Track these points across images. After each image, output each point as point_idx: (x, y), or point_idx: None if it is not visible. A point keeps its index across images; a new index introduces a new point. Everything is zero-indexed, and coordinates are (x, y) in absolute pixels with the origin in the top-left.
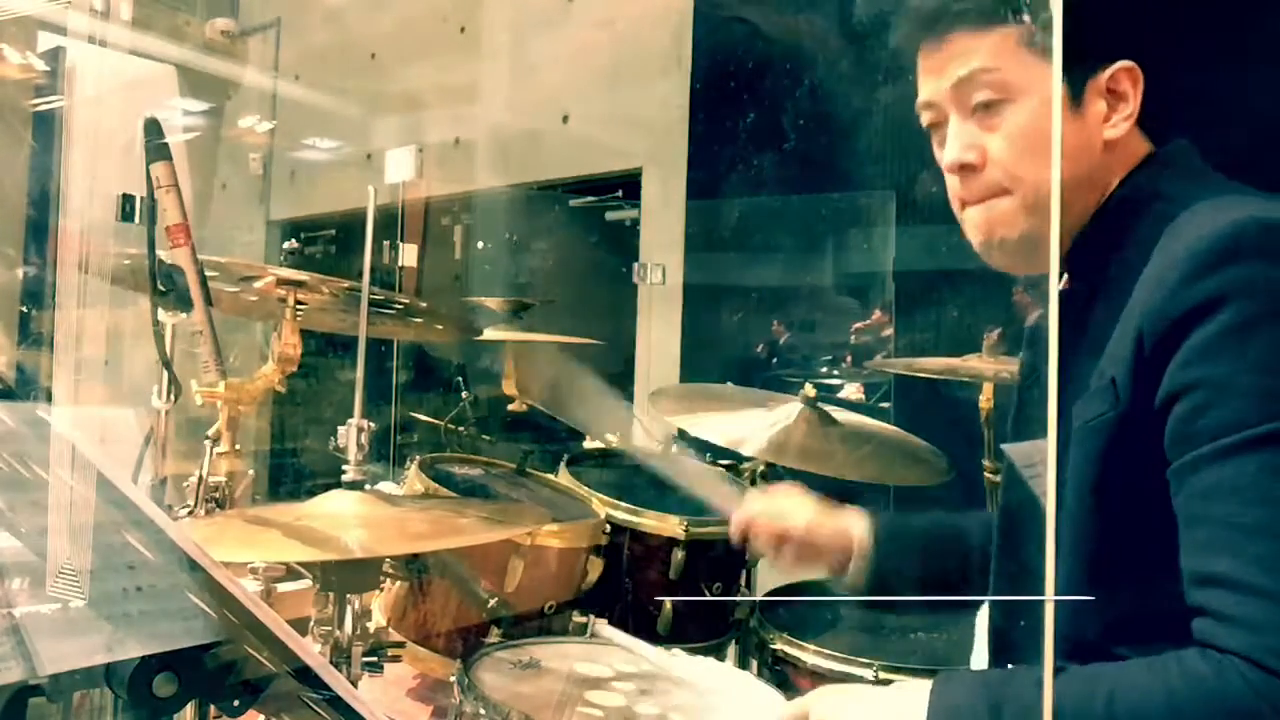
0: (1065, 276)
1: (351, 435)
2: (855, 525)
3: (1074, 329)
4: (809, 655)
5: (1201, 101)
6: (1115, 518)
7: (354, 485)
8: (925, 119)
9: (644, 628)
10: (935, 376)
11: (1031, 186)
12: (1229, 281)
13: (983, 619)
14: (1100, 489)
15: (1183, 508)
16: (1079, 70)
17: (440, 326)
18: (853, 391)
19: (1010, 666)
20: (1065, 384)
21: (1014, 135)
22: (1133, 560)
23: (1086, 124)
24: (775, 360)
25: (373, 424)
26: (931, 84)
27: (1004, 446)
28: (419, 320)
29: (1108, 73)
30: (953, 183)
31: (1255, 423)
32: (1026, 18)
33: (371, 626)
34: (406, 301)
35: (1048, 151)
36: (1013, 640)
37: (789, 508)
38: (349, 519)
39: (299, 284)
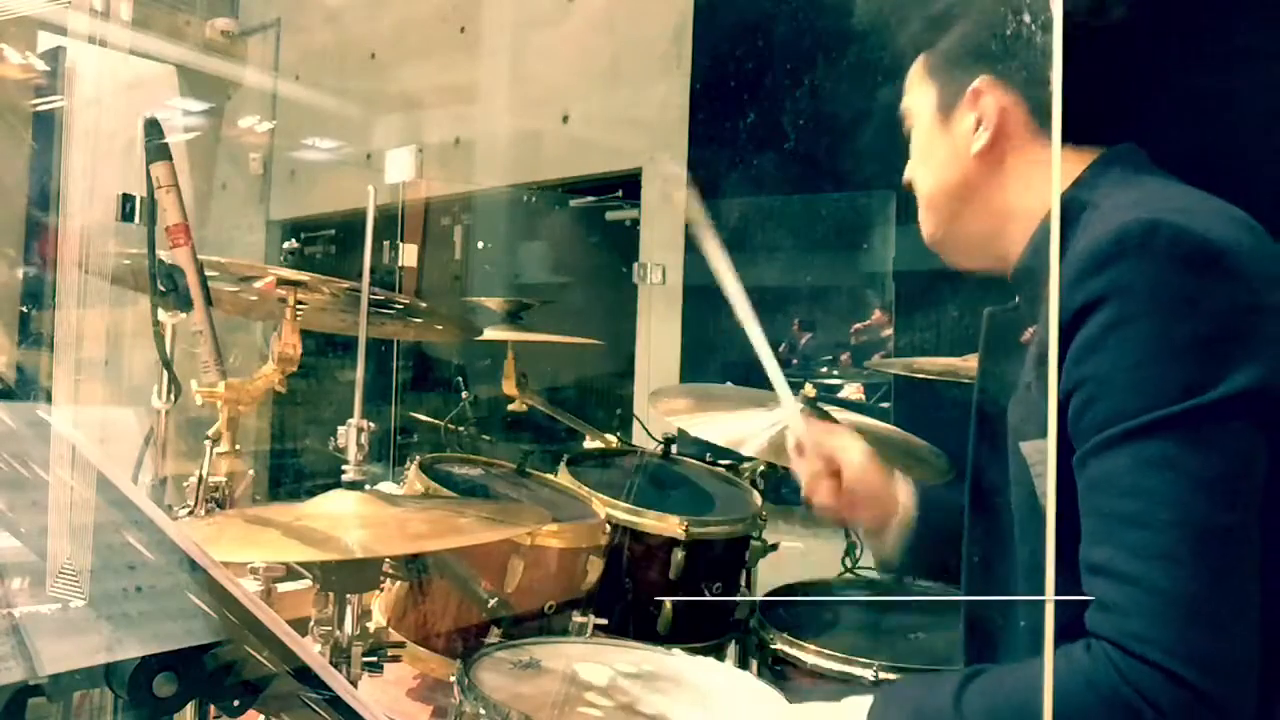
0: (1016, 297)
1: (351, 435)
2: (903, 490)
3: (1019, 342)
4: (809, 655)
5: (1158, 102)
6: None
7: (354, 485)
8: None
9: (644, 628)
10: (935, 377)
11: (923, 194)
12: (1110, 281)
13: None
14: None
15: (1079, 500)
16: (951, 86)
17: (440, 327)
18: (853, 391)
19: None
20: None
21: (913, 154)
22: (1071, 553)
23: (954, 136)
24: (791, 360)
25: (373, 424)
26: None
27: (1021, 444)
28: (419, 320)
29: (970, 89)
30: None
31: (1130, 416)
32: (935, 47)
33: (371, 626)
34: (406, 301)
35: (929, 163)
36: (988, 631)
37: (849, 445)
38: (349, 519)
39: (299, 284)
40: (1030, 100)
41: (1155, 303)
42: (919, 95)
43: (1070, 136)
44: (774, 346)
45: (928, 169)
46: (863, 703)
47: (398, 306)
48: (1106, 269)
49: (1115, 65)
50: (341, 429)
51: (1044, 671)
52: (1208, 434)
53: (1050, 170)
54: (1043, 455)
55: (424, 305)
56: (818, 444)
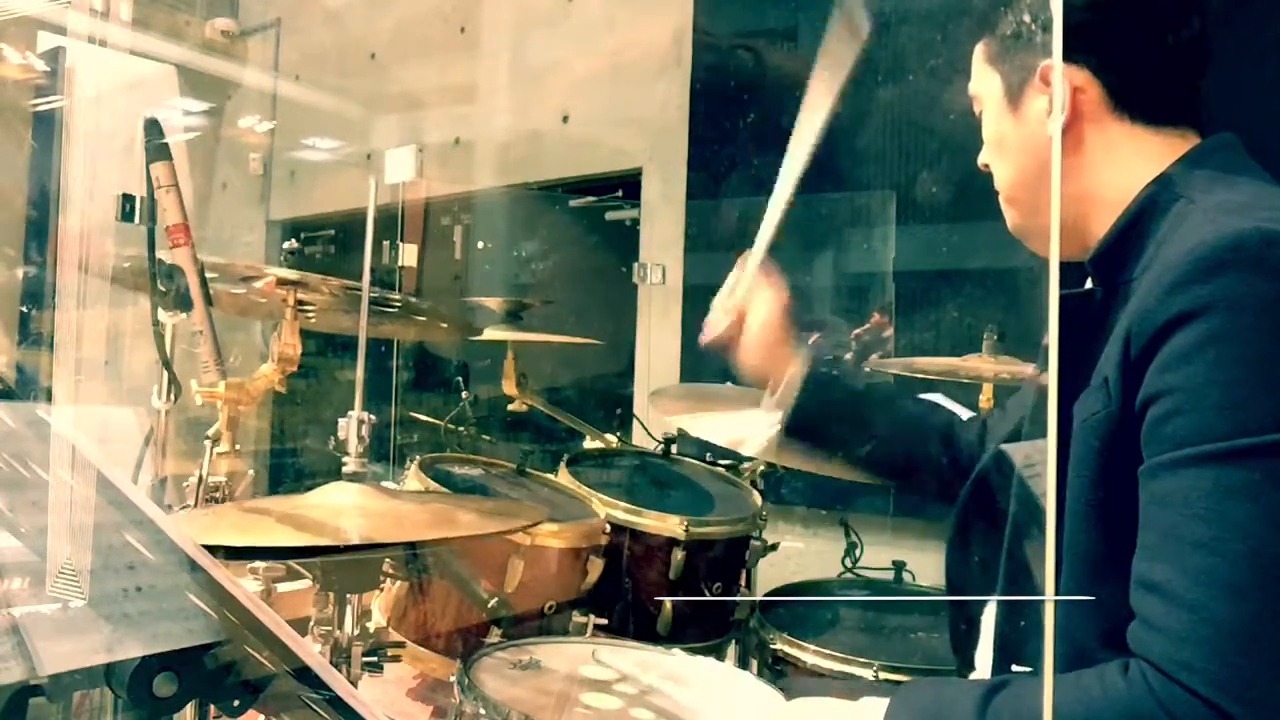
0: (1089, 279)
1: (352, 428)
2: (800, 359)
3: (1093, 331)
4: (809, 655)
5: (1246, 96)
6: (1109, 516)
7: (355, 477)
8: None
9: (644, 628)
10: (935, 377)
11: (1002, 184)
12: (1217, 290)
13: (988, 617)
14: (1095, 486)
15: (1142, 510)
16: (1016, 70)
17: (444, 325)
18: None
19: (975, 678)
20: (1081, 385)
21: (986, 141)
22: (1124, 561)
23: (1027, 121)
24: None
25: (373, 416)
26: None
27: (1004, 447)
28: (420, 317)
29: (1038, 71)
30: None
31: (1219, 436)
32: (994, 32)
33: (371, 626)
34: (403, 300)
35: (1003, 152)
36: (1015, 641)
37: (762, 299)
38: (349, 510)
39: (299, 284)
40: (1104, 79)
41: (1263, 321)
42: (984, 81)
43: (1156, 117)
44: None
45: (1003, 158)
46: (878, 704)
47: (395, 306)
48: (1217, 277)
49: (1208, 46)
50: (342, 421)
51: (1048, 673)
52: None
53: (1136, 152)
54: (1042, 455)
55: (423, 305)
56: (739, 291)
